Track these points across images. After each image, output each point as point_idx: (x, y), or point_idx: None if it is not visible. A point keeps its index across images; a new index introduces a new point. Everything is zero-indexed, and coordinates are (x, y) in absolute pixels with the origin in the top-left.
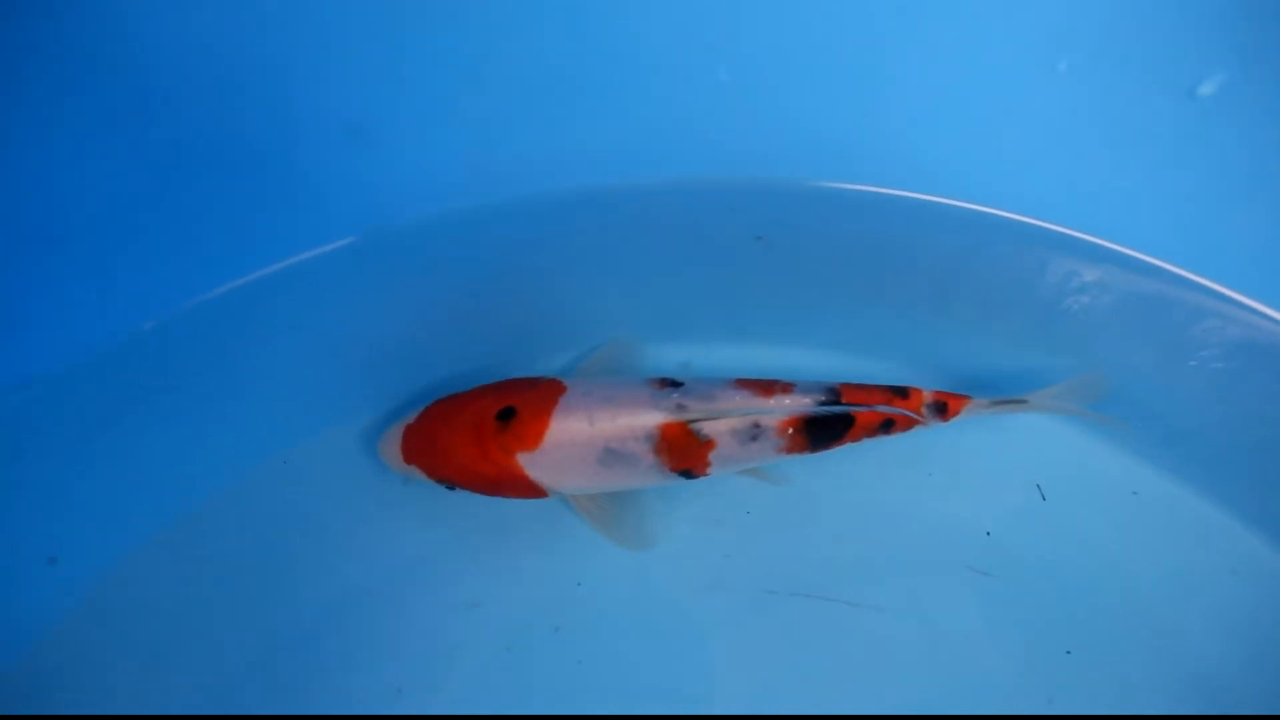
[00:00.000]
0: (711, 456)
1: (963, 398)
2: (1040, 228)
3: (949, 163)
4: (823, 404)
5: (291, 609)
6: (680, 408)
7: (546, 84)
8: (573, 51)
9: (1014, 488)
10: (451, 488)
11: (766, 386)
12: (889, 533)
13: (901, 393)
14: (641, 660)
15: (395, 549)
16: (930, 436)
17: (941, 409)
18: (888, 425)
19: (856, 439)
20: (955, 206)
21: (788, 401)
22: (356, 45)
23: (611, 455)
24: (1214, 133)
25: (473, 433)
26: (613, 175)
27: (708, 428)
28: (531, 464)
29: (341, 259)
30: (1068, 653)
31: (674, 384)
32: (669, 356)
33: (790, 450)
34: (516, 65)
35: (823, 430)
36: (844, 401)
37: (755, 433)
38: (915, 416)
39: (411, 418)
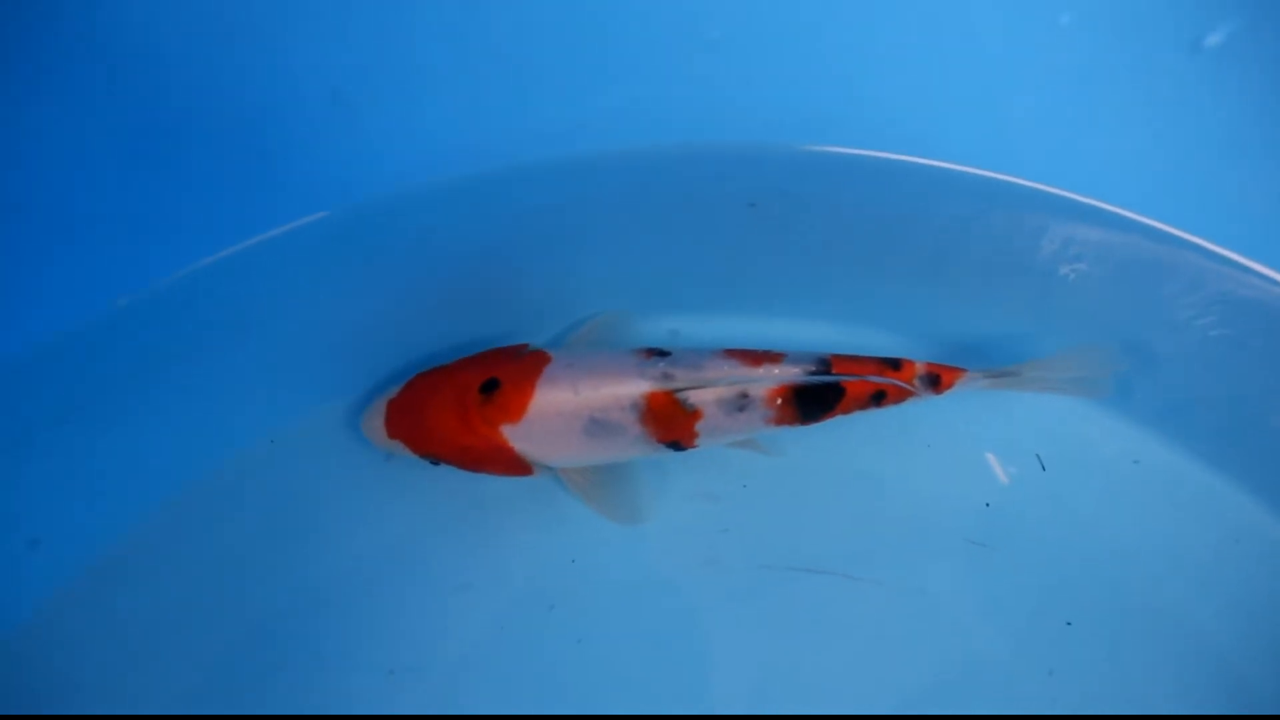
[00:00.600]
0: (698, 427)
1: (957, 370)
2: (1040, 191)
3: (945, 126)
4: (813, 373)
5: (280, 590)
6: (666, 377)
7: (531, 50)
8: (557, 16)
9: (1013, 458)
10: (435, 463)
11: (756, 357)
12: (887, 505)
13: (894, 364)
14: (638, 637)
15: (385, 528)
16: (928, 407)
17: (934, 381)
18: (879, 397)
19: (847, 410)
20: (952, 170)
21: (776, 371)
22: (336, 9)
23: (597, 426)
24: (1221, 89)
25: (456, 405)
26: (601, 143)
27: (694, 397)
28: (516, 436)
29: (321, 232)
30: (1068, 624)
31: (661, 353)
32: (659, 327)
33: (779, 421)
34: (500, 31)
35: (812, 401)
36: (834, 370)
37: (743, 403)
38: (906, 386)
39: (394, 392)
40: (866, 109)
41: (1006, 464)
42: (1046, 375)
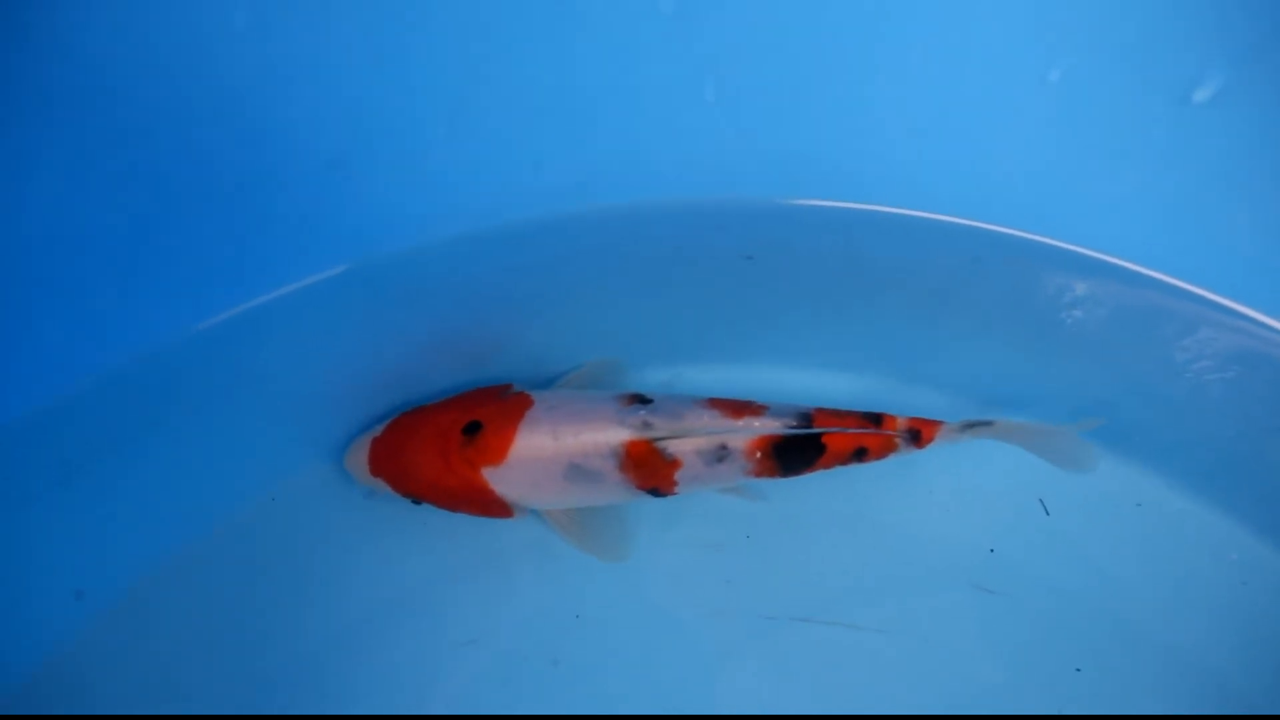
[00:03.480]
0: (678, 476)
1: (934, 423)
2: (1032, 241)
3: (937, 178)
4: (793, 428)
5: (283, 645)
6: (646, 425)
7: (527, 111)
8: (550, 80)
9: (1016, 503)
10: (417, 502)
11: (737, 408)
12: (891, 552)
13: (875, 419)
14: (642, 692)
15: (388, 582)
16: (932, 452)
17: (915, 436)
18: (861, 453)
19: (829, 466)
20: (945, 221)
21: (757, 425)
22: (336, 78)
23: (577, 471)
24: (1209, 139)
25: (438, 446)
26: (595, 200)
27: (673, 447)
28: (496, 479)
29: (319, 292)
30: (1078, 670)
31: (643, 400)
32: (654, 377)
33: (759, 474)
34: (493, 94)
35: (793, 455)
36: (816, 425)
37: (722, 454)
38: (887, 433)
39: (378, 430)
40: (858, 164)
41: (1010, 509)
42: (1016, 427)
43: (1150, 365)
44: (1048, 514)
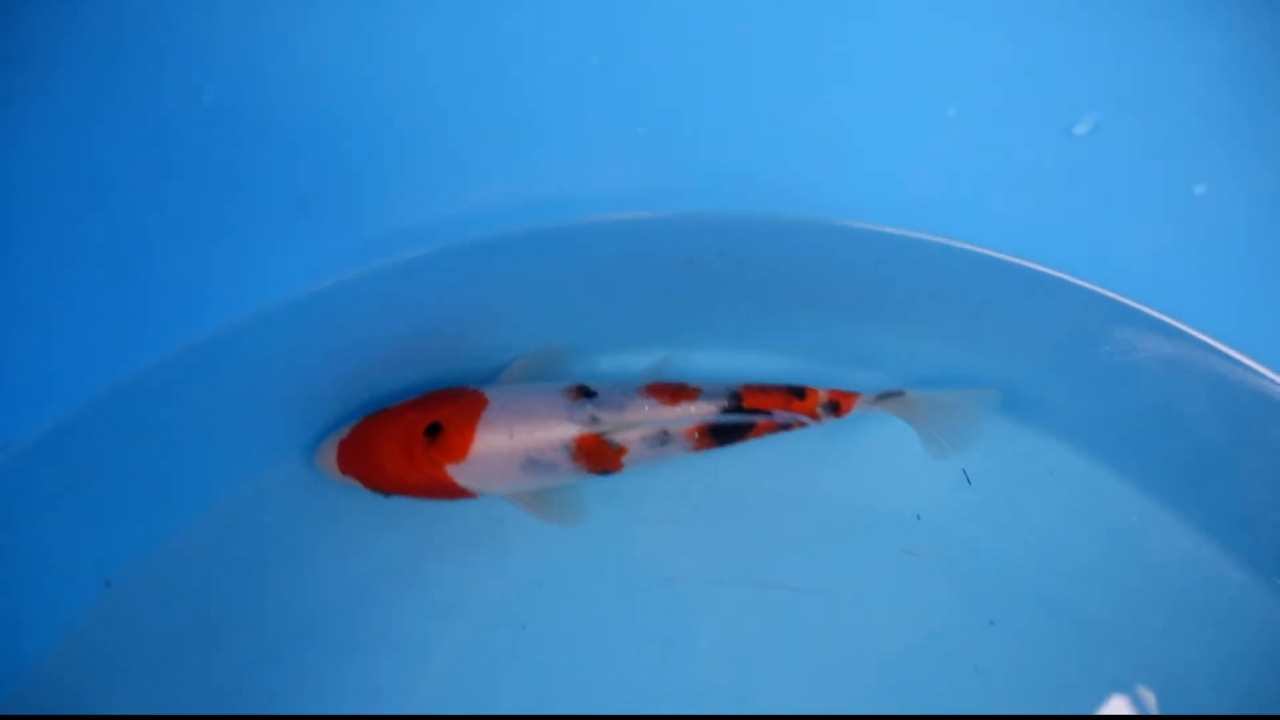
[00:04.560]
0: (625, 459)
1: (852, 395)
2: (942, 244)
3: (853, 188)
4: (726, 409)
5: (270, 624)
6: (594, 420)
7: (483, 136)
8: (503, 112)
9: (942, 474)
10: (387, 495)
11: (673, 393)
12: (827, 521)
13: (799, 393)
14: (605, 652)
15: (365, 562)
16: (864, 428)
17: (835, 407)
18: (787, 425)
19: (760, 435)
20: (863, 229)
21: (693, 410)
22: (299, 108)
23: (533, 464)
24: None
25: (403, 447)
26: (548, 217)
27: (620, 436)
28: (460, 473)
29: (297, 308)
30: (990, 623)
31: (588, 394)
32: (601, 364)
33: (698, 449)
34: (447, 117)
35: (727, 432)
36: (745, 403)
37: (664, 438)
38: (806, 421)
39: (344, 432)
40: (788, 177)
41: (936, 479)
42: (925, 405)
43: (1061, 352)
44: (970, 483)
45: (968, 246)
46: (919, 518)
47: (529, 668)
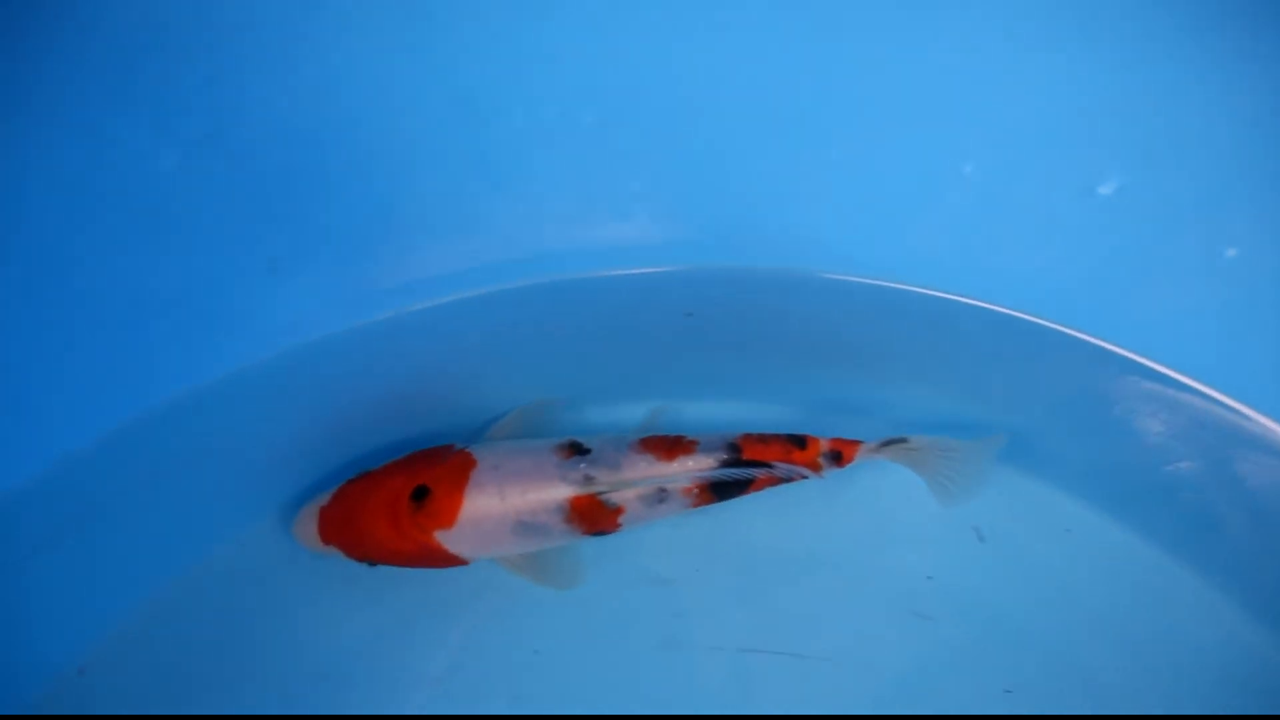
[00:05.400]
0: (621, 519)
1: (854, 443)
2: (953, 301)
3: (855, 243)
4: (725, 462)
5: (249, 692)
6: (588, 479)
7: (464, 189)
8: (487, 168)
9: (953, 532)
10: (372, 565)
11: (669, 449)
12: (834, 582)
13: (799, 442)
14: None
15: (352, 629)
16: (871, 483)
17: (837, 456)
18: (789, 476)
19: (760, 489)
20: (872, 285)
21: (690, 464)
22: (265, 172)
23: (525, 527)
24: (1112, 224)
25: (389, 513)
26: (535, 275)
27: (616, 496)
28: (449, 540)
29: (276, 366)
30: (1007, 691)
31: (580, 450)
32: (593, 416)
33: (698, 504)
34: (433, 169)
35: (727, 486)
36: (744, 455)
37: (662, 496)
38: (808, 474)
39: (325, 499)
40: (796, 235)
41: (947, 538)
42: (930, 450)
43: (1077, 403)
44: (982, 540)
45: (978, 303)
46: (930, 578)
47: None
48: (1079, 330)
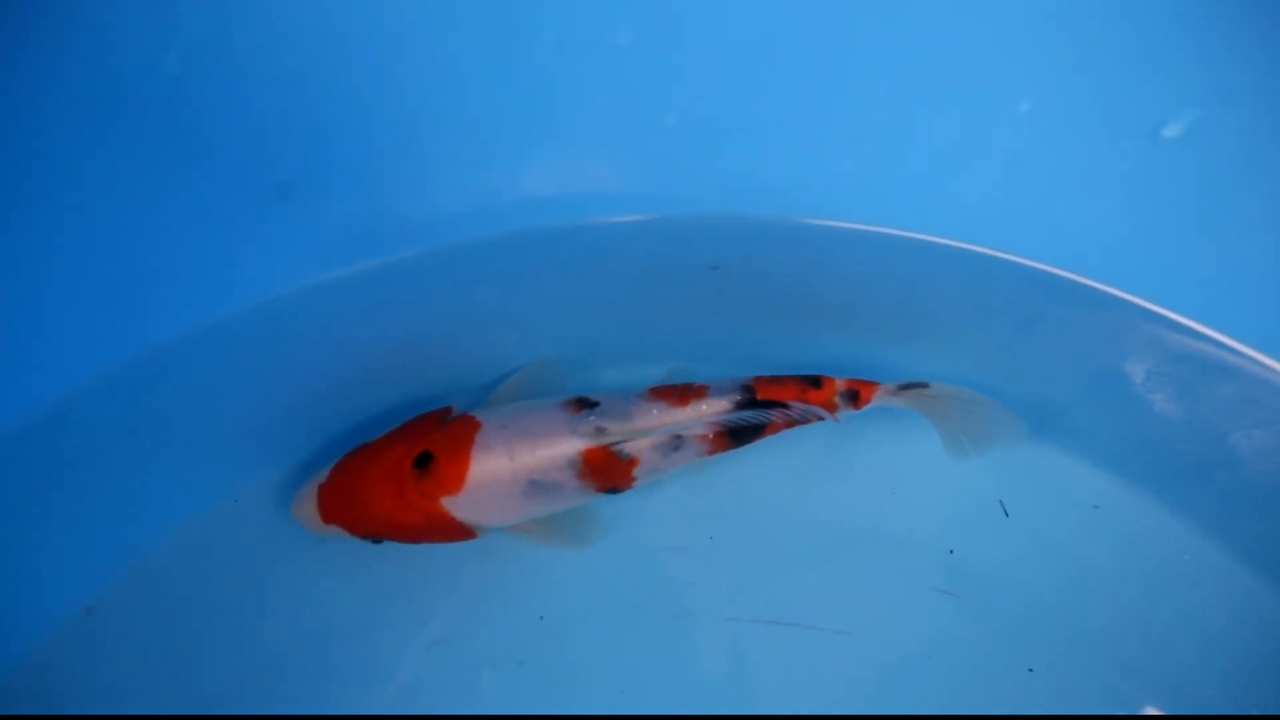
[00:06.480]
0: (636, 472)
1: (872, 384)
2: (995, 257)
3: (908, 197)
4: (739, 404)
5: (250, 654)
6: (600, 431)
7: (491, 129)
8: (519, 101)
9: (976, 505)
10: (378, 542)
11: (681, 394)
12: (853, 554)
13: (814, 382)
14: (607, 692)
15: (356, 589)
16: (892, 450)
17: (854, 397)
18: (804, 417)
19: (777, 431)
20: (910, 238)
21: (704, 408)
22: (283, 101)
23: (536, 487)
24: (1175, 172)
25: (392, 484)
26: (566, 217)
27: (630, 446)
28: (457, 506)
29: (278, 308)
30: (1030, 670)
31: (589, 404)
32: (607, 377)
33: (714, 451)
34: (466, 113)
35: (742, 433)
36: (759, 396)
37: (677, 443)
38: (824, 415)
39: (323, 475)
40: (832, 185)
41: (971, 511)
42: (950, 399)
43: (1108, 375)
44: (1007, 515)
45: (1020, 260)
46: (952, 552)
47: (525, 707)
48: (1128, 291)
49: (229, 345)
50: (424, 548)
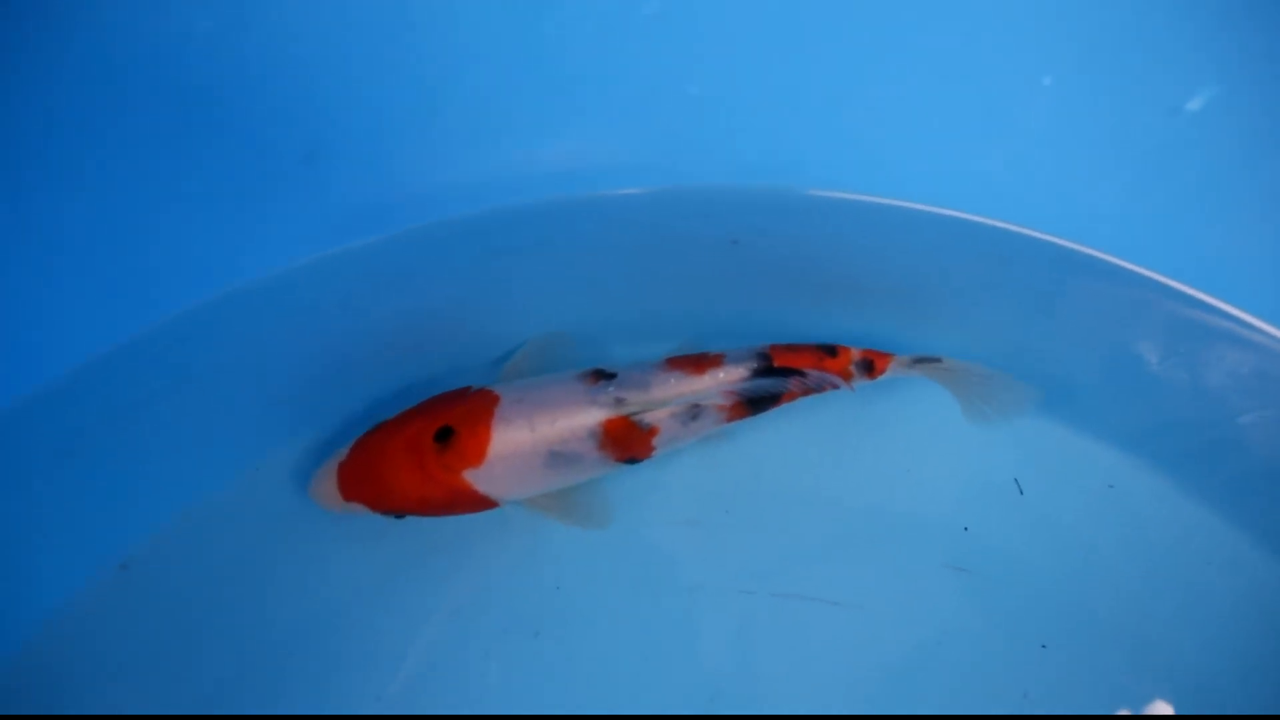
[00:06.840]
0: (655, 441)
1: (887, 355)
2: (1009, 230)
3: (925, 171)
4: (756, 371)
5: (267, 625)
6: (619, 401)
7: (510, 100)
8: (538, 70)
9: (992, 482)
10: (400, 517)
11: (698, 364)
12: (867, 530)
13: (830, 351)
14: (622, 663)
15: (370, 562)
16: (910, 433)
17: (869, 367)
18: (820, 385)
19: (794, 399)
20: (926, 211)
21: (722, 376)
22: (303, 76)
23: (557, 458)
24: (1197, 146)
25: (413, 459)
26: (581, 188)
27: (649, 416)
28: (479, 479)
29: (293, 279)
30: (1043, 647)
31: (607, 375)
32: (619, 352)
33: (732, 419)
34: (483, 83)
35: (759, 401)
36: (775, 364)
37: (696, 412)
38: (839, 383)
39: (343, 454)
40: (848, 155)
41: (986, 489)
42: (964, 372)
43: (1124, 353)
44: (1022, 493)
45: (1037, 234)
46: (966, 529)
47: (539, 678)
48: (1146, 267)
49: (244, 318)
50: (438, 520)
